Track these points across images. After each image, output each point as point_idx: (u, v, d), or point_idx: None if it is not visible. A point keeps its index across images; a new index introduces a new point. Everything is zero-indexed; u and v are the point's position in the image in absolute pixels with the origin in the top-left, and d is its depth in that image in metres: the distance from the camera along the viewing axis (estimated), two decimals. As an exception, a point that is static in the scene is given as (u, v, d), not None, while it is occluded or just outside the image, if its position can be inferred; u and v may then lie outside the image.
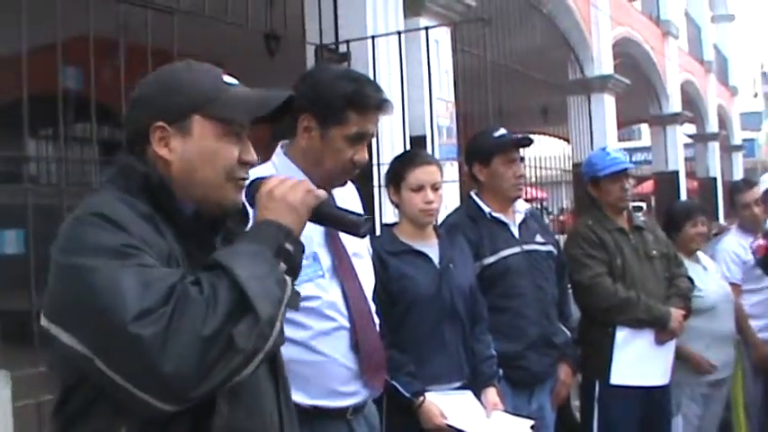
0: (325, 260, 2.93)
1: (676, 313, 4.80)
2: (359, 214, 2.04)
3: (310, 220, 1.99)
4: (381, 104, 2.96)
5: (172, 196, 1.96)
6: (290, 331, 2.77)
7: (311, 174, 2.94)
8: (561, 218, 18.30)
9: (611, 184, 4.91)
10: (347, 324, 2.92)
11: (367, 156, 3.01)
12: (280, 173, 2.94)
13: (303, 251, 1.93)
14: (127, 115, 2.05)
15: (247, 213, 2.09)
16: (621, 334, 4.73)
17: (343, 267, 2.97)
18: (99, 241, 1.75)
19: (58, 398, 1.87)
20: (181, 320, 1.65)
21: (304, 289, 2.79)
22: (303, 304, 2.80)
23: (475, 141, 4.57)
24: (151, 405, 1.67)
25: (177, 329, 1.64)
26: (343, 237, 3.00)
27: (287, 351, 2.76)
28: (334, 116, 2.90)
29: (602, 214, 4.94)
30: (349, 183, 3.23)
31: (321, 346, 2.87)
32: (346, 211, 2.03)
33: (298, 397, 2.80)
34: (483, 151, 4.40)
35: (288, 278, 1.84)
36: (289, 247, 1.87)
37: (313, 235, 2.90)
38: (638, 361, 4.75)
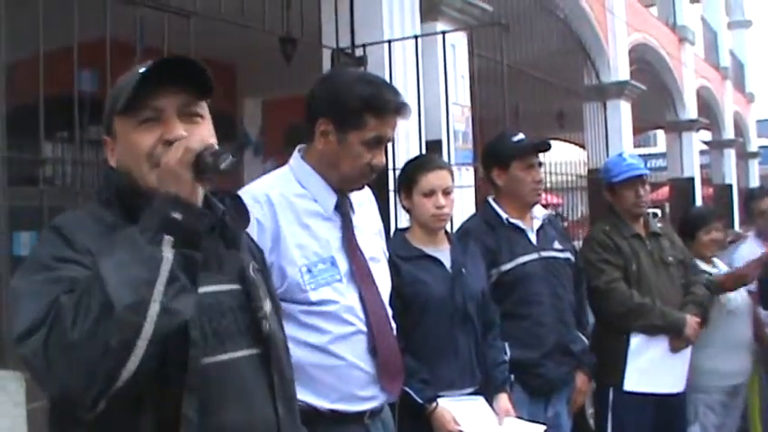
0: (343, 264, 2.92)
1: (691, 320, 4.78)
2: (223, 151, 1.86)
3: (198, 177, 1.83)
4: (400, 108, 2.94)
5: (137, 200, 1.94)
6: (307, 336, 2.81)
7: (328, 177, 2.96)
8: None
9: (626, 190, 4.90)
10: (365, 328, 2.91)
11: (384, 160, 2.99)
12: (297, 177, 2.95)
13: (201, 213, 1.84)
14: None
15: (244, 207, 2.08)
16: (636, 341, 4.71)
17: (360, 272, 2.96)
18: (37, 256, 1.83)
19: (49, 411, 1.91)
20: (54, 333, 1.66)
21: (322, 293, 2.83)
22: (321, 308, 2.83)
23: (493, 146, 4.53)
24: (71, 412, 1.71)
25: (53, 342, 1.65)
26: (361, 241, 3.02)
27: (305, 355, 2.79)
28: (352, 120, 2.89)
29: (619, 220, 4.93)
30: (367, 189, 3.23)
31: (339, 350, 2.86)
32: (218, 152, 1.88)
33: (317, 401, 2.82)
34: (502, 156, 4.38)
35: (167, 251, 1.73)
36: (176, 215, 1.76)
37: (331, 239, 2.93)
38: (652, 368, 4.73)
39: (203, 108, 2.06)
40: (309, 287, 2.83)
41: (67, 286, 1.72)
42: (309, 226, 2.91)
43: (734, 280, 5.33)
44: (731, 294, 5.40)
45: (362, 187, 3.08)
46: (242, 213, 2.08)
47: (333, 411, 2.85)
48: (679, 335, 4.75)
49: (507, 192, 4.37)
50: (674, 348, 4.79)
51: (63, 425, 1.86)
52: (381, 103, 2.90)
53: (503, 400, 3.79)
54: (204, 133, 2.00)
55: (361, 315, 2.91)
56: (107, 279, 1.66)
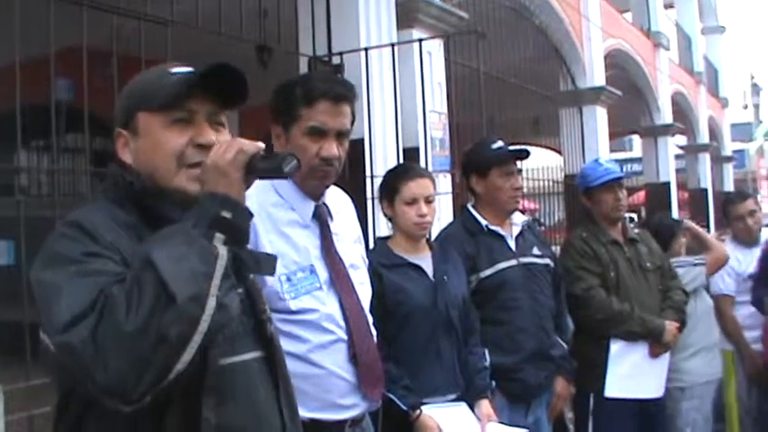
0: (322, 272, 2.92)
1: (670, 326, 4.81)
2: (285, 154, 1.94)
3: (248, 178, 1.88)
4: (330, 93, 2.91)
5: (155, 201, 1.96)
6: (287, 345, 2.75)
7: (299, 180, 2.94)
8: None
9: (605, 194, 4.92)
10: (345, 336, 2.90)
11: (336, 151, 2.92)
12: (274, 186, 2.96)
13: (249, 214, 1.87)
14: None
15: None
16: (616, 347, 4.73)
17: (340, 279, 2.95)
18: (62, 250, 1.79)
19: (57, 406, 1.89)
20: (105, 322, 1.64)
21: (302, 302, 2.81)
22: (301, 317, 2.81)
23: (472, 153, 4.54)
24: (114, 407, 1.68)
25: (103, 332, 1.64)
26: (340, 248, 3.01)
27: (288, 364, 2.79)
28: (288, 115, 2.93)
29: (597, 226, 4.95)
30: (345, 196, 3.23)
31: (319, 358, 2.85)
32: (275, 155, 1.93)
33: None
34: (480, 163, 4.39)
35: (222, 248, 1.76)
36: (226, 214, 1.79)
37: (309, 247, 2.92)
38: (632, 373, 4.75)
39: (225, 118, 2.08)
40: (289, 296, 2.82)
41: (110, 277, 1.72)
42: (288, 234, 2.91)
43: None
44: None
45: (324, 184, 3.01)
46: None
47: (313, 420, 2.82)
48: (658, 341, 4.78)
49: (486, 199, 4.38)
50: (654, 354, 4.81)
51: (76, 420, 1.84)
52: (308, 91, 2.91)
53: (484, 405, 3.80)
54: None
55: (342, 323, 2.90)
56: (163, 270, 1.66)
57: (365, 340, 2.97)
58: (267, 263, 2.04)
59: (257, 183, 3.00)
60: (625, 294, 4.78)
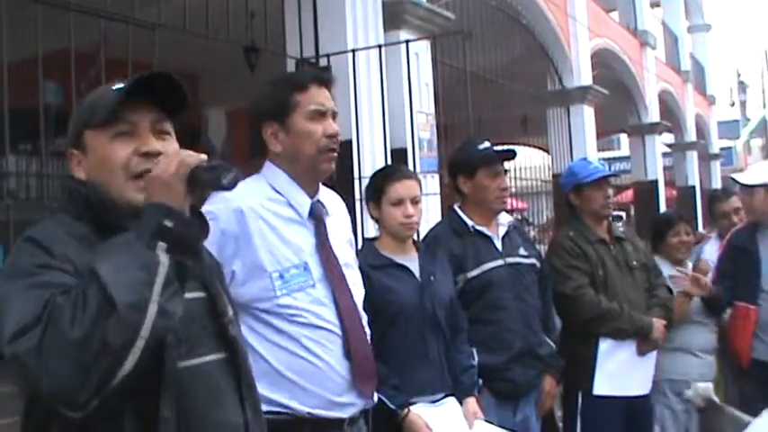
0: (316, 269, 2.96)
1: (658, 323, 4.83)
2: (225, 166, 1.94)
3: (191, 189, 1.91)
4: (318, 77, 3.07)
5: (110, 215, 2.00)
6: (284, 341, 2.85)
7: (299, 173, 3.03)
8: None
9: (595, 192, 4.94)
10: (339, 332, 2.94)
11: (336, 127, 3.03)
12: (271, 182, 3.01)
13: (190, 223, 1.90)
14: None
15: (203, 219, 2.07)
16: (604, 345, 4.74)
17: (334, 276, 2.99)
18: (17, 264, 1.86)
19: (22, 412, 1.94)
20: (50, 332, 1.69)
21: (295, 299, 2.86)
22: (293, 313, 2.86)
23: (459, 154, 4.57)
24: (64, 414, 1.73)
25: (49, 341, 1.68)
26: (335, 246, 3.06)
27: (284, 360, 2.85)
28: (285, 106, 2.99)
29: (583, 225, 4.96)
30: (338, 198, 3.28)
31: (316, 354, 2.88)
32: (217, 167, 1.95)
33: (297, 405, 2.86)
34: (468, 164, 4.42)
35: (164, 256, 1.79)
36: (168, 223, 1.82)
37: (303, 245, 2.96)
38: (620, 371, 4.76)
39: (170, 126, 2.13)
40: (281, 292, 2.86)
41: (58, 289, 1.76)
42: (282, 232, 2.94)
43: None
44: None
45: (333, 165, 3.07)
46: (202, 224, 2.09)
47: (311, 415, 2.87)
48: (647, 338, 4.80)
49: (473, 199, 4.41)
50: (642, 351, 4.84)
51: (41, 427, 1.88)
52: (298, 78, 3.08)
53: (471, 404, 3.82)
54: (172, 150, 2.06)
55: (335, 320, 2.94)
56: (106, 280, 1.71)
57: (358, 336, 3.00)
58: (213, 270, 2.08)
59: (252, 179, 3.07)
60: (613, 293, 4.80)
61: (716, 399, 4.70)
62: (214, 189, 1.98)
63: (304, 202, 3.03)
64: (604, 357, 4.74)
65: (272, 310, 2.86)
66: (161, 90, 2.05)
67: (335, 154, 3.05)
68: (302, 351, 2.87)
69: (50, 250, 1.86)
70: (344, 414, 2.95)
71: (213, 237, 2.09)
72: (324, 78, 3.07)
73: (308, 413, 2.86)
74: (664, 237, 5.67)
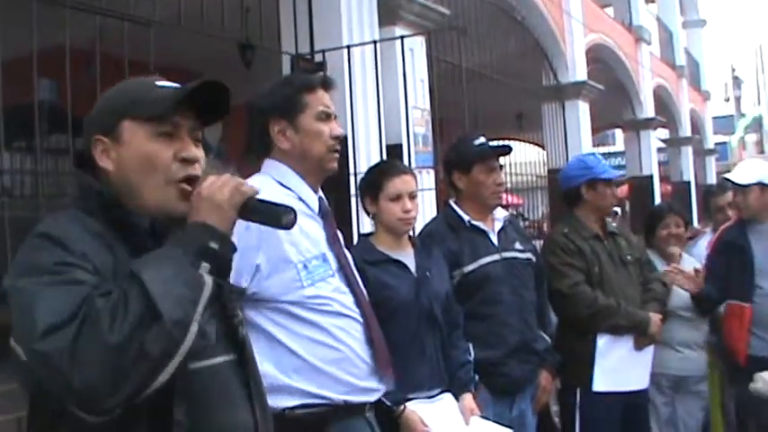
0: (332, 260, 3.05)
1: (655, 318, 4.84)
2: (284, 206, 2.01)
3: (240, 217, 1.96)
4: (324, 81, 3.19)
5: (125, 212, 1.99)
6: (309, 331, 2.93)
7: (305, 170, 3.11)
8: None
9: (608, 188, 4.97)
10: (361, 319, 3.05)
11: (341, 130, 3.16)
12: (278, 180, 3.09)
13: (234, 249, 1.93)
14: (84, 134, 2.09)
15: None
16: (602, 341, 4.74)
17: (346, 267, 3.11)
18: (35, 261, 1.81)
19: (28, 412, 1.92)
20: (87, 333, 1.67)
21: (318, 289, 2.95)
22: (319, 302, 2.94)
23: (455, 149, 4.56)
24: (81, 417, 1.70)
25: (84, 342, 1.66)
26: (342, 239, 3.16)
27: (311, 349, 2.92)
28: (296, 105, 3.08)
29: (578, 221, 4.96)
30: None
31: (342, 341, 2.98)
32: (272, 204, 2.01)
33: (330, 393, 2.94)
34: (463, 159, 4.42)
35: (207, 277, 1.82)
36: (213, 245, 1.85)
37: (318, 237, 3.05)
38: (619, 367, 4.77)
39: (201, 132, 2.12)
40: (306, 283, 2.93)
41: (87, 288, 1.75)
42: (301, 225, 2.96)
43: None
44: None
45: (336, 166, 3.18)
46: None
47: (345, 402, 2.96)
48: (644, 333, 4.81)
49: (469, 194, 4.41)
50: (639, 347, 4.85)
51: (47, 427, 1.86)
52: (307, 80, 3.18)
53: (468, 399, 3.83)
54: (203, 158, 2.08)
55: (354, 307, 3.05)
56: (153, 290, 1.71)
57: (375, 322, 3.12)
58: (286, 215, 2.02)
59: (259, 176, 3.11)
60: (609, 288, 4.80)
61: None
62: (270, 225, 2.03)
63: (312, 198, 3.13)
64: (602, 354, 4.74)
65: (298, 300, 2.93)
66: (206, 97, 2.04)
67: (338, 154, 3.16)
68: (330, 339, 2.95)
69: (69, 248, 1.82)
70: (370, 398, 3.08)
71: (237, 231, 2.11)
72: (329, 83, 3.19)
73: (343, 401, 2.96)
74: (654, 230, 5.70)
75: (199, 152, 2.06)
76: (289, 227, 1.99)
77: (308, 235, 3.00)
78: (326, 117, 3.10)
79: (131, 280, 1.74)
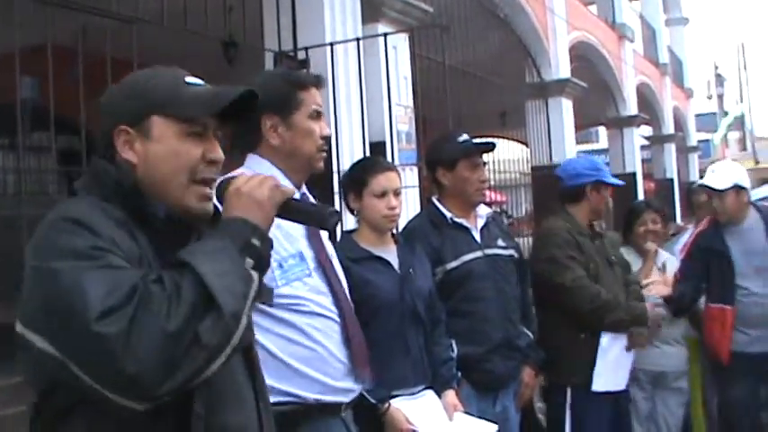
0: (311, 259, 3.02)
1: (651, 310, 4.88)
2: (327, 207, 2.05)
3: (278, 216, 2.00)
4: (316, 80, 3.21)
5: (143, 200, 1.97)
6: (285, 330, 2.90)
7: (289, 169, 3.09)
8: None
9: (606, 191, 5.03)
10: (338, 319, 3.02)
11: (329, 130, 3.18)
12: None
13: (271, 246, 1.95)
14: (100, 122, 2.06)
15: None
16: (605, 340, 4.75)
17: (326, 266, 3.08)
18: (68, 245, 1.76)
19: (33, 406, 1.88)
20: (144, 318, 1.66)
21: (294, 288, 2.91)
22: (294, 302, 2.91)
23: (438, 146, 4.57)
24: (122, 404, 1.68)
25: (140, 327, 1.65)
26: (324, 237, 3.13)
27: (286, 348, 2.89)
28: (290, 102, 3.07)
29: (573, 218, 4.98)
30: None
31: (317, 341, 2.95)
32: (313, 205, 2.05)
33: (303, 392, 2.92)
34: (448, 156, 4.43)
35: (254, 273, 1.85)
36: (255, 242, 1.87)
37: (297, 235, 3.01)
38: (614, 367, 4.80)
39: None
40: (281, 282, 2.90)
41: (131, 273, 1.75)
42: (277, 222, 2.95)
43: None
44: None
45: (322, 165, 3.19)
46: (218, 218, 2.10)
47: (317, 401, 2.94)
48: (643, 325, 4.84)
49: (453, 191, 4.42)
50: (630, 347, 4.89)
51: (52, 425, 1.83)
52: (302, 78, 3.19)
53: (450, 396, 3.84)
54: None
55: (332, 307, 3.02)
56: (210, 283, 1.73)
57: (354, 321, 3.11)
58: (267, 293, 2.11)
59: (240, 171, 3.10)
60: (603, 285, 4.83)
61: None
62: (315, 226, 2.08)
63: (296, 195, 3.05)
64: (603, 355, 4.75)
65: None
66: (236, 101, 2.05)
67: (325, 152, 3.18)
68: (304, 339, 2.93)
69: (99, 233, 1.80)
70: (345, 399, 3.05)
71: None
72: (321, 82, 3.21)
73: (315, 400, 2.94)
74: (632, 226, 5.75)
75: (221, 153, 2.07)
76: (332, 228, 2.03)
77: (285, 232, 2.96)
78: (317, 116, 3.11)
79: (183, 269, 1.75)
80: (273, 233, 2.88)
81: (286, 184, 3.03)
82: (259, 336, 2.79)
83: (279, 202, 1.98)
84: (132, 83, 2.07)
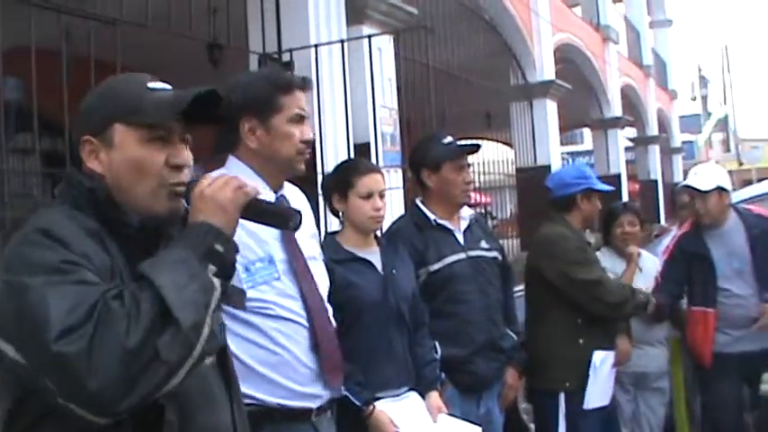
0: (281, 262, 2.99)
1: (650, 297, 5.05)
2: (290, 208, 2.03)
3: (243, 218, 1.97)
4: (302, 82, 3.14)
5: (116, 210, 1.97)
6: (250, 333, 2.87)
7: (266, 172, 3.06)
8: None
9: (598, 200, 5.07)
10: (306, 324, 2.99)
11: (312, 133, 3.11)
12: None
13: (237, 250, 1.93)
14: (72, 131, 2.06)
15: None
16: (597, 359, 4.79)
17: (300, 269, 3.03)
18: (38, 259, 1.76)
19: (7, 412, 1.87)
20: (103, 336, 1.66)
21: (261, 291, 2.88)
22: (260, 306, 2.88)
23: (423, 147, 4.56)
24: (87, 419, 1.68)
25: (100, 345, 1.65)
26: (299, 239, 3.07)
27: (250, 352, 2.87)
28: (270, 106, 3.03)
29: (570, 226, 5.01)
30: (300, 193, 3.30)
31: (282, 346, 2.92)
32: (276, 205, 2.02)
33: (265, 397, 2.89)
34: (433, 158, 4.42)
35: (216, 280, 1.82)
36: (219, 247, 1.85)
37: (268, 238, 2.98)
38: (604, 385, 4.87)
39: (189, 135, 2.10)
40: (247, 285, 2.86)
41: (97, 289, 1.73)
42: (246, 226, 2.93)
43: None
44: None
45: (303, 168, 3.13)
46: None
47: (281, 406, 2.91)
48: (645, 309, 4.99)
49: (438, 193, 4.42)
50: (616, 364, 4.97)
51: (28, 429, 1.83)
52: (286, 81, 3.10)
53: (434, 397, 3.84)
54: (191, 160, 2.06)
55: (302, 312, 2.99)
56: (167, 296, 1.71)
57: (325, 327, 3.06)
58: (239, 297, 2.12)
59: (216, 173, 3.07)
60: None
61: None
62: (276, 227, 2.04)
63: (270, 198, 3.02)
64: (595, 372, 4.79)
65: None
66: (200, 103, 2.02)
67: (307, 156, 3.12)
68: (269, 343, 2.91)
69: (71, 246, 1.80)
70: (312, 404, 3.00)
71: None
72: (307, 84, 3.17)
73: (278, 404, 2.91)
74: (610, 228, 5.79)
75: (189, 157, 2.05)
76: (295, 229, 2.01)
77: (254, 235, 2.94)
78: (299, 120, 3.06)
79: (143, 283, 1.74)
80: (240, 237, 2.87)
81: (264, 186, 3.00)
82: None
83: (242, 204, 1.94)
84: (96, 92, 2.07)
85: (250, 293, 2.85)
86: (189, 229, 1.90)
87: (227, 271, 1.88)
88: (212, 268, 1.82)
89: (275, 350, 2.91)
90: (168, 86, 2.06)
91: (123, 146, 1.98)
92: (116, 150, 1.98)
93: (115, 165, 1.98)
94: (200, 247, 1.83)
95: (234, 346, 2.81)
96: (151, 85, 2.03)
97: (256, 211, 1.98)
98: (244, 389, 2.76)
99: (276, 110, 3.02)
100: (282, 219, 2.02)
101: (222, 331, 2.16)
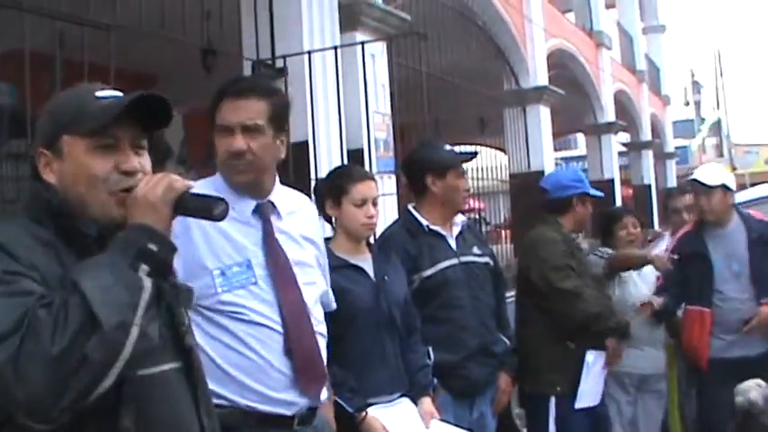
0: (260, 267, 2.97)
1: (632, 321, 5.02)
2: (215, 197, 2.02)
3: (177, 213, 1.96)
4: (230, 90, 3.04)
5: (72, 220, 1.99)
6: (224, 336, 2.87)
7: (230, 181, 3.06)
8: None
9: (590, 204, 5.07)
10: (280, 329, 2.94)
11: (240, 144, 2.97)
12: (215, 186, 3.01)
13: (173, 248, 1.93)
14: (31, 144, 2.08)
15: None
16: (591, 357, 4.81)
17: (280, 275, 3.00)
18: None
19: None
20: (29, 344, 1.68)
21: (236, 295, 2.88)
22: (232, 309, 2.89)
23: (426, 153, 4.57)
24: (29, 425, 1.71)
25: (27, 354, 1.67)
26: (286, 246, 3.06)
27: (224, 354, 2.87)
28: (212, 119, 3.04)
29: (562, 228, 5.03)
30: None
31: (254, 350, 2.90)
32: (204, 197, 2.00)
33: (239, 399, 2.88)
34: (439, 164, 4.44)
35: (147, 280, 1.82)
36: (152, 246, 1.85)
37: (247, 243, 2.97)
38: (595, 384, 4.87)
39: (145, 140, 2.10)
40: (222, 289, 2.88)
41: (33, 299, 1.74)
42: (224, 230, 2.92)
43: (620, 262, 5.51)
44: (633, 290, 5.59)
45: (249, 179, 3.05)
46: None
47: (250, 408, 2.89)
48: (625, 336, 4.95)
49: (442, 199, 4.44)
50: (607, 364, 4.96)
51: None
52: (217, 93, 3.05)
53: (426, 403, 3.86)
54: (148, 166, 2.06)
55: (276, 317, 2.95)
56: (91, 297, 1.71)
57: (302, 334, 3.01)
58: (186, 296, 2.13)
59: (205, 181, 3.07)
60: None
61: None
62: (203, 218, 2.03)
63: (244, 204, 3.03)
64: (588, 371, 4.80)
65: (213, 306, 2.89)
66: (146, 107, 2.03)
67: (241, 168, 3.01)
68: (242, 347, 2.89)
69: (17, 256, 1.82)
70: (288, 412, 2.96)
71: None
72: (238, 90, 3.04)
73: (247, 406, 2.89)
74: (612, 231, 5.81)
75: (142, 161, 2.05)
76: (221, 218, 1.99)
77: (232, 240, 2.95)
78: (225, 131, 3.00)
79: (71, 288, 1.75)
80: (217, 241, 2.86)
81: (233, 195, 2.98)
82: (200, 339, 2.73)
83: (173, 200, 1.93)
84: (48, 105, 2.10)
85: (225, 297, 2.89)
86: (124, 231, 1.90)
87: (162, 269, 1.88)
88: (145, 268, 1.82)
89: (248, 355, 2.90)
90: (118, 93, 2.06)
91: (71, 156, 2.00)
92: (65, 161, 2.01)
93: (66, 175, 2.01)
94: (132, 247, 1.84)
95: (208, 347, 2.85)
96: (99, 93, 2.05)
97: (186, 205, 1.96)
98: (216, 389, 2.76)
99: (213, 122, 3.03)
100: (207, 209, 1.99)
101: (190, 336, 2.18)
